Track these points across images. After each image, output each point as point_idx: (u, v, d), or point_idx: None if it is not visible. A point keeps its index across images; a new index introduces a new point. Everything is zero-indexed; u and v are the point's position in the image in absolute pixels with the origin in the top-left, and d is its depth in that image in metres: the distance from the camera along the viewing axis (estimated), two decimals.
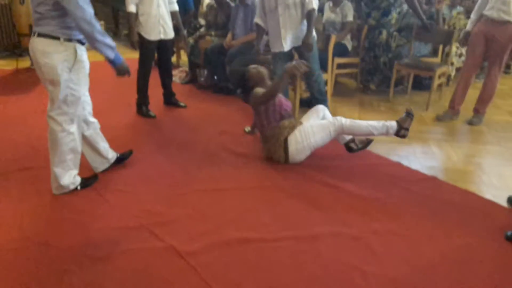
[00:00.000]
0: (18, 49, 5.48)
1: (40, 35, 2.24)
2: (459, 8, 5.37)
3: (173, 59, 5.92)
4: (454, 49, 4.99)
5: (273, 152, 2.98)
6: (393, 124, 2.93)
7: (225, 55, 4.56)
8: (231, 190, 2.63)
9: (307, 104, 4.02)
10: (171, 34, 3.86)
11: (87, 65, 2.40)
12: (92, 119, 2.60)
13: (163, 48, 3.89)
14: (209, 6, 5.16)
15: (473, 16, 3.86)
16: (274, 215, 2.37)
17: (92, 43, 2.26)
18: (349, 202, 2.52)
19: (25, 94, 4.40)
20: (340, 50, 4.69)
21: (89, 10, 2.19)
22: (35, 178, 2.67)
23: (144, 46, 3.76)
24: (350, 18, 4.75)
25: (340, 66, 4.83)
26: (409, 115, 2.95)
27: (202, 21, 5.37)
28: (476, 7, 3.86)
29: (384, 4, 4.56)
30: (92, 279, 1.85)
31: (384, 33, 4.65)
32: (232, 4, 4.84)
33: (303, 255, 2.04)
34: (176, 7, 3.97)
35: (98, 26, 2.23)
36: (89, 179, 2.62)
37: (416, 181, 2.82)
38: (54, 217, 2.30)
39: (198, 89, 4.90)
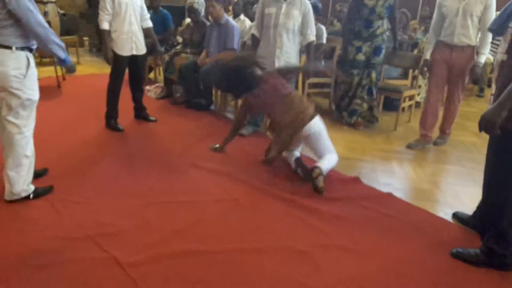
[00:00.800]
0: None
1: None
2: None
3: (151, 75, 6.03)
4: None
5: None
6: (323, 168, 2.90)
7: (198, 72, 4.64)
8: (186, 203, 2.64)
9: None
10: (143, 50, 3.93)
11: (36, 70, 2.43)
12: None
13: (135, 63, 3.95)
14: (187, 25, 5.26)
15: (429, 43, 3.83)
16: (224, 228, 2.37)
17: (46, 46, 2.32)
18: (301, 216, 2.54)
19: None
20: None
21: (39, 15, 2.26)
22: None
23: (117, 61, 3.82)
24: (323, 40, 4.89)
25: (313, 85, 4.93)
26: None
27: (179, 39, 5.46)
28: (430, 34, 3.83)
29: (378, 42, 4.23)
30: None
31: (373, 75, 4.37)
32: (207, 23, 4.94)
33: (249, 269, 2.04)
34: (149, 24, 4.04)
35: (49, 27, 2.31)
36: (43, 189, 2.61)
37: (372, 197, 2.85)
38: (0, 225, 2.28)
39: (171, 105, 4.94)
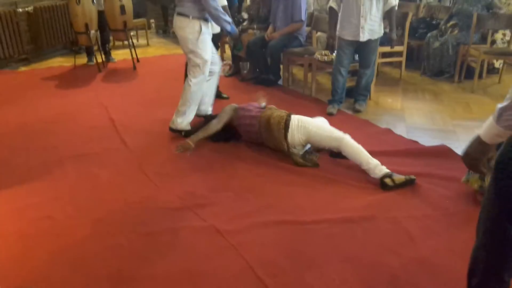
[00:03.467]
0: (76, 46, 5.90)
1: (178, 14, 3.15)
2: None
3: (218, 53, 6.14)
4: (500, 36, 4.78)
5: (276, 139, 2.93)
6: (384, 170, 2.58)
7: (266, 47, 4.66)
8: (273, 175, 2.73)
9: (348, 94, 4.03)
10: (217, 29, 3.95)
11: (209, 36, 3.25)
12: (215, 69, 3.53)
13: None
14: (252, 0, 5.26)
15: None
16: (314, 200, 2.43)
17: (216, 22, 3.20)
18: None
19: (82, 89, 4.74)
20: (383, 39, 4.62)
21: (214, 2, 3.06)
22: (90, 163, 2.92)
23: None
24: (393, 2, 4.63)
25: (383, 55, 4.78)
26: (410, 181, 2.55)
27: (245, 15, 5.48)
28: None
29: None
30: (141, 252, 2.02)
31: None
32: None
33: (338, 237, 2.10)
34: (224, 2, 4.01)
35: (220, 9, 3.12)
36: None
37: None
38: (106, 197, 2.51)
39: (240, 81, 5.03)
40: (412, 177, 2.54)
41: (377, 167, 2.57)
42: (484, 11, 4.64)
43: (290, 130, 2.85)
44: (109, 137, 3.38)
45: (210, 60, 3.31)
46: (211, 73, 3.44)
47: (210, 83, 3.54)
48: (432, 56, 4.87)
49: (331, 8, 3.84)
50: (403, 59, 4.89)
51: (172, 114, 3.38)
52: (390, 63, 5.28)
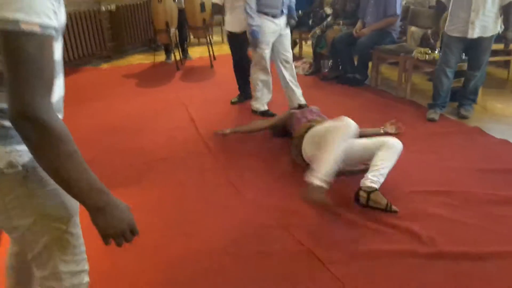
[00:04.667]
0: (154, 44, 5.93)
1: None
2: None
3: (295, 50, 5.85)
4: None
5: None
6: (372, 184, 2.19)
7: (354, 44, 4.29)
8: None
9: (450, 97, 3.55)
10: None
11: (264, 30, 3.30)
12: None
13: None
14: None
15: None
16: (430, 227, 2.06)
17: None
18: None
19: (162, 87, 4.69)
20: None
21: None
22: (176, 168, 2.78)
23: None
24: None
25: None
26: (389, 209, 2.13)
27: (328, 10, 5.13)
28: None
29: None
30: (232, 277, 1.80)
31: None
32: None
33: (465, 278, 1.73)
34: None
35: (250, 6, 3.16)
36: None
37: None
38: (194, 209, 2.34)
39: (321, 80, 4.69)
40: (394, 209, 2.13)
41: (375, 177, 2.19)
42: None
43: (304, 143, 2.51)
44: (193, 139, 3.23)
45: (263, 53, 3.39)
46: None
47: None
48: None
49: (438, 0, 3.37)
50: (511, 57, 4.26)
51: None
52: (493, 62, 4.64)
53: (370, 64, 4.44)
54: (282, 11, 3.31)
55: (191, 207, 2.36)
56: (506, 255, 1.82)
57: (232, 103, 3.96)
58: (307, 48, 5.80)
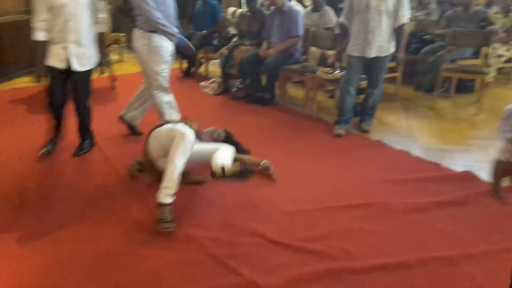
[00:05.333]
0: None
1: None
2: (496, 7, 5.17)
3: (202, 69, 5.81)
4: (491, 50, 4.79)
5: None
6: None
7: (260, 64, 4.41)
8: (313, 211, 2.44)
9: (354, 113, 3.84)
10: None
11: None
12: None
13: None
14: (241, 15, 5.01)
15: None
16: (358, 240, 2.17)
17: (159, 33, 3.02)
18: (432, 223, 2.32)
19: None
20: None
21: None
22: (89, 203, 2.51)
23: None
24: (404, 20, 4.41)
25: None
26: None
27: (232, 30, 5.22)
28: None
29: None
30: None
31: None
32: (266, 12, 4.69)
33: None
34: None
35: (159, 20, 2.96)
36: None
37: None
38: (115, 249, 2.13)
39: (231, 100, 4.72)
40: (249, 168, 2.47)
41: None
42: (477, 27, 4.64)
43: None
44: (106, 173, 2.96)
45: (164, 73, 3.18)
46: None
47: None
48: (427, 72, 4.81)
49: (341, 24, 3.65)
50: (398, 74, 4.79)
51: None
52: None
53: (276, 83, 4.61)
54: (178, 27, 3.23)
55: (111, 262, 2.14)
56: (429, 260, 1.99)
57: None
58: (212, 67, 5.81)
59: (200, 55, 5.51)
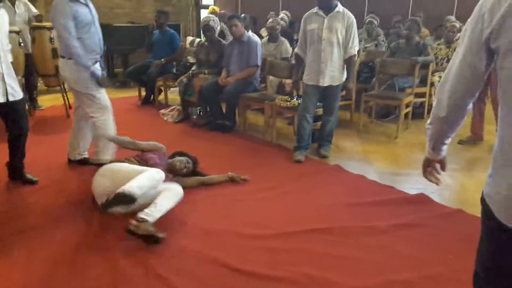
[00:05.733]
0: None
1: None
2: (441, 40, 5.57)
3: (161, 97, 5.78)
4: (437, 78, 5.15)
5: None
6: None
7: (220, 92, 4.46)
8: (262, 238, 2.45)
9: (312, 139, 3.95)
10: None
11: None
12: None
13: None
14: (200, 44, 5.08)
15: None
16: (320, 266, 2.19)
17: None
18: (390, 245, 2.40)
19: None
20: None
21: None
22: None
23: None
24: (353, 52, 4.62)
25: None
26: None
27: (191, 59, 5.27)
28: None
29: None
30: None
31: None
32: (224, 42, 4.79)
33: None
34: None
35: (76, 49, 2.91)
36: None
37: (445, 215, 2.75)
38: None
39: (192, 127, 4.72)
40: (160, 235, 2.30)
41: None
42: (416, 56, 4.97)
43: None
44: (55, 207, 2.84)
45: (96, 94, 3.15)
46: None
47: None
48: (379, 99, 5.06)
49: (296, 54, 3.80)
50: (352, 102, 5.01)
51: None
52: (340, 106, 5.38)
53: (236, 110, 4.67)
54: (101, 56, 3.23)
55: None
56: (391, 283, 2.04)
57: None
58: (172, 95, 5.81)
59: (159, 83, 5.50)
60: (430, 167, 1.43)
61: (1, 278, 2.04)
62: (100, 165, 2.86)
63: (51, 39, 4.60)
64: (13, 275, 2.06)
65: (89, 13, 3.06)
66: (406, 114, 4.81)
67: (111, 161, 2.85)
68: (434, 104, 1.25)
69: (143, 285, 2.01)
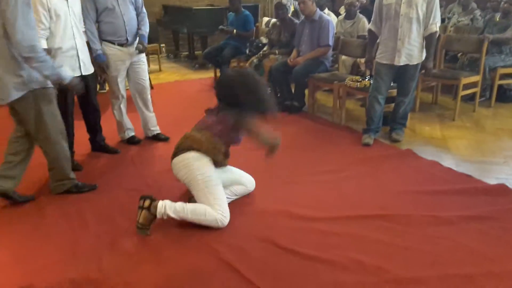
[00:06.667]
0: None
1: None
2: None
3: None
4: None
5: None
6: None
7: (290, 72, 4.39)
8: (326, 220, 2.39)
9: (383, 122, 3.73)
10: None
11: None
12: None
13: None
14: (272, 24, 5.04)
15: None
16: (373, 255, 2.09)
17: None
18: (459, 239, 2.18)
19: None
20: None
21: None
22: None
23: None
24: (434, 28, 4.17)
25: None
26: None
27: (264, 40, 5.25)
28: None
29: None
30: None
31: None
32: (296, 21, 4.68)
33: None
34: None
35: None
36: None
37: None
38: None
39: None
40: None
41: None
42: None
43: None
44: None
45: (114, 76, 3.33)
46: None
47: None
48: None
49: (370, 30, 3.57)
50: (438, 83, 4.60)
51: None
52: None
53: (306, 91, 4.57)
54: (127, 39, 3.28)
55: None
56: (446, 276, 1.86)
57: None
58: None
59: (233, 64, 5.58)
60: None
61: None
62: None
63: None
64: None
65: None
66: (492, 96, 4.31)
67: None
68: None
69: (194, 253, 2.10)
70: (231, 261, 2.03)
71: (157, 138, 3.71)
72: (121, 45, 3.27)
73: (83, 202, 2.64)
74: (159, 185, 2.86)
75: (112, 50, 3.26)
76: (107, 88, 5.13)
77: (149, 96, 3.62)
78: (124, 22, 3.24)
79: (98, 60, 3.22)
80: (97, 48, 3.19)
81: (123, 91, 3.47)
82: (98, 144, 3.43)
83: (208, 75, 6.43)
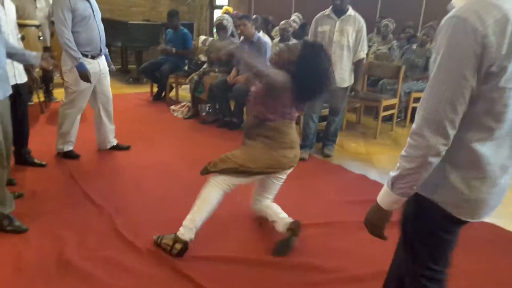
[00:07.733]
0: None
1: None
2: None
3: (172, 93, 5.93)
4: None
5: None
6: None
7: (229, 90, 4.59)
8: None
9: (317, 139, 4.06)
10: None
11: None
12: None
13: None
14: (210, 43, 5.22)
15: None
16: (319, 257, 2.31)
17: None
18: None
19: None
20: None
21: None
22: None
23: None
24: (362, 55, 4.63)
25: None
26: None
27: (202, 58, 5.41)
28: None
29: None
30: None
31: None
32: (236, 41, 4.92)
33: None
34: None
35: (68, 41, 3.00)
36: None
37: None
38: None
39: (201, 124, 4.86)
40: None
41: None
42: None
43: None
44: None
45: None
46: None
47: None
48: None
49: None
50: (361, 104, 5.10)
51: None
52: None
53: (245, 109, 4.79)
54: (100, 50, 3.36)
55: None
56: (381, 273, 2.14)
57: None
58: (182, 91, 5.95)
59: (171, 79, 5.65)
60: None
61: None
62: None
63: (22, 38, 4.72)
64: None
65: (89, 8, 3.22)
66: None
67: None
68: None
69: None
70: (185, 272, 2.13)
71: (117, 148, 3.76)
72: (93, 57, 3.28)
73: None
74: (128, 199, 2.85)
75: (87, 63, 3.22)
76: (34, 100, 4.91)
77: (111, 108, 3.62)
78: (99, 32, 3.28)
79: (81, 69, 3.16)
80: (79, 56, 3.15)
81: (85, 103, 3.45)
82: (23, 157, 3.28)
83: (144, 90, 6.39)
